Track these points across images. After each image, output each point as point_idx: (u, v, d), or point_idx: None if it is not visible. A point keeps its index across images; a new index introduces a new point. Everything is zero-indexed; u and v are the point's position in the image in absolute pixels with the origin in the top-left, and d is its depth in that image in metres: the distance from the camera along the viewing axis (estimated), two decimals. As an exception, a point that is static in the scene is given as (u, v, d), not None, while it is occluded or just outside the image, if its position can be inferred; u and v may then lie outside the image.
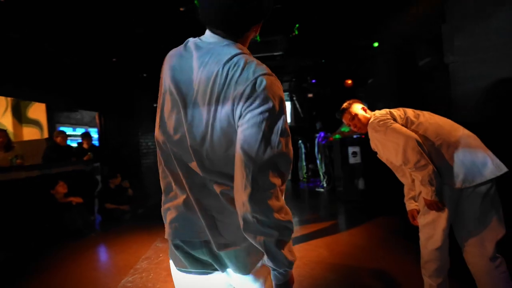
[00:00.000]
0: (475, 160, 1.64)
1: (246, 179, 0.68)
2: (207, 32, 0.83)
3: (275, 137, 0.69)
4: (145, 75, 6.28)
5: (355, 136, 4.61)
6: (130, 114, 6.56)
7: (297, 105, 9.98)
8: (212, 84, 0.74)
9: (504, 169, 1.63)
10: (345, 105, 2.20)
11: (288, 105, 10.55)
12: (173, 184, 0.86)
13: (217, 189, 0.79)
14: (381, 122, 1.83)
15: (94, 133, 6.79)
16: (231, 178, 0.74)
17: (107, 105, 6.27)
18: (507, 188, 1.85)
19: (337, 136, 4.82)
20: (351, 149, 4.64)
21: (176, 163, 0.82)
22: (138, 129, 6.73)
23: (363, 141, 4.66)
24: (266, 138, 0.68)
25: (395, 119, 1.84)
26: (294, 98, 9.89)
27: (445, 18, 4.05)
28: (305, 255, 2.76)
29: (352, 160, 4.61)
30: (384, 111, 1.94)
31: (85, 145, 5.44)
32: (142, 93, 6.87)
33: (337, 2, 4.09)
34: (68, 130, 7.61)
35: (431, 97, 4.51)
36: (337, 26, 4.66)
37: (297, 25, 4.21)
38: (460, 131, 1.75)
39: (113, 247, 3.65)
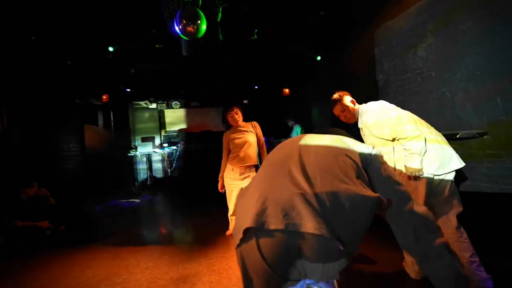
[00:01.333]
0: (446, 153, 2.03)
1: None
2: None
3: None
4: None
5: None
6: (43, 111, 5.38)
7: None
8: None
9: (463, 163, 2.06)
10: (336, 96, 2.43)
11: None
12: None
13: None
14: (382, 105, 2.17)
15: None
16: None
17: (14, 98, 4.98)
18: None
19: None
20: (300, 152, 5.00)
21: None
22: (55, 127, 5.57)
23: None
24: None
25: None
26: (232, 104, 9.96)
27: (375, 43, 4.86)
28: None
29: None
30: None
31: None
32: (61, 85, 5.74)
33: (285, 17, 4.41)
34: None
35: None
36: (285, 36, 4.99)
37: (256, 30, 4.33)
38: (434, 130, 2.14)
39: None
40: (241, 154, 3.19)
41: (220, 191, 3.38)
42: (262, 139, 3.34)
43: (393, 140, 2.10)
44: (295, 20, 4.46)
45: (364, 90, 5.15)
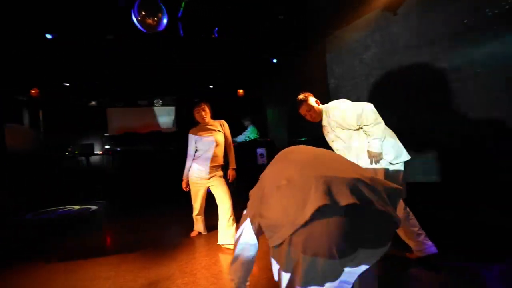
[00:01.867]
0: (399, 146, 2.34)
1: None
2: None
3: None
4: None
5: (262, 140, 5.13)
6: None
7: (183, 111, 9.74)
8: None
9: (409, 157, 2.38)
10: (301, 97, 2.61)
11: (172, 109, 10.12)
12: None
13: None
14: (346, 101, 2.43)
15: None
16: None
17: None
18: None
19: (254, 136, 5.19)
20: (259, 151, 5.10)
21: None
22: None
23: (269, 144, 5.26)
24: None
25: None
26: (181, 103, 9.60)
27: (327, 50, 5.27)
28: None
29: (260, 161, 5.07)
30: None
31: None
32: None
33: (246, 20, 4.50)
34: None
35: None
36: (243, 37, 5.07)
37: (216, 29, 4.29)
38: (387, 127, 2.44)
39: None
40: (208, 154, 3.12)
41: (184, 189, 3.26)
42: (230, 138, 3.28)
43: (358, 129, 2.33)
44: (255, 22, 4.56)
45: (317, 93, 5.53)
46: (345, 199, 0.90)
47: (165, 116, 10.53)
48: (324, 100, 3.33)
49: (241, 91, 7.64)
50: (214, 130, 3.18)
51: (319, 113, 2.56)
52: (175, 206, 5.53)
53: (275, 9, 4.23)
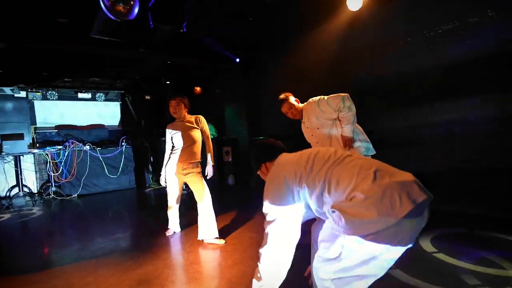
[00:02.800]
0: (368, 141, 2.68)
1: None
2: None
3: None
4: None
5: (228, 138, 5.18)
6: None
7: (130, 107, 9.09)
8: None
9: (374, 151, 2.75)
10: (282, 96, 2.79)
11: (117, 105, 9.35)
12: None
13: None
14: (323, 96, 2.61)
15: None
16: None
17: None
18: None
19: (212, 134, 5.19)
20: (224, 149, 5.14)
21: None
22: None
23: (233, 141, 5.33)
24: None
25: None
26: (128, 99, 8.95)
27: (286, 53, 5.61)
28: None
29: (225, 158, 5.10)
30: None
31: None
32: None
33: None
34: None
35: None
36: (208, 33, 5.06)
37: (185, 23, 4.19)
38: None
39: None
40: (184, 151, 3.06)
41: (162, 184, 3.16)
42: (208, 132, 3.22)
43: (335, 120, 2.59)
44: (222, 20, 4.60)
45: (276, 94, 5.83)
46: (420, 196, 1.08)
47: (108, 112, 9.68)
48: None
49: (198, 88, 7.51)
50: (191, 126, 3.10)
51: (300, 111, 2.76)
52: (130, 207, 5.20)
53: (244, 10, 4.33)
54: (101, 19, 3.82)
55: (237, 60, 5.80)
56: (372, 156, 2.68)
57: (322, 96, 2.65)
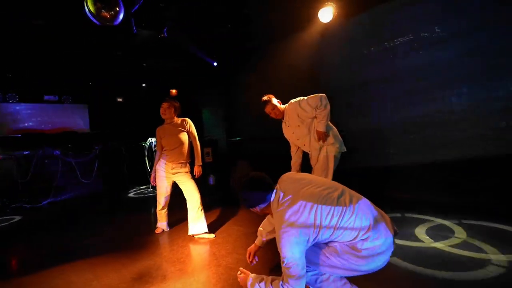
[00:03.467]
0: (340, 140, 3.05)
1: None
2: None
3: None
4: None
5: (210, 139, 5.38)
6: None
7: (101, 109, 8.83)
8: None
9: (345, 149, 3.12)
10: (265, 98, 3.06)
11: (85, 108, 9.01)
12: None
13: None
14: (303, 97, 2.91)
15: None
16: None
17: None
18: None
19: None
20: (205, 150, 5.30)
21: None
22: None
23: (214, 142, 5.53)
24: None
25: None
26: (99, 101, 8.68)
27: (262, 58, 5.92)
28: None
29: (206, 159, 5.27)
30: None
31: None
32: None
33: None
34: None
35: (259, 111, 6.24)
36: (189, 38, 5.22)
37: (165, 28, 4.31)
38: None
39: None
40: (172, 152, 3.22)
41: (152, 184, 3.30)
42: (194, 133, 3.36)
43: (313, 118, 2.92)
44: (201, 26, 4.79)
45: (256, 97, 6.11)
46: (391, 228, 1.46)
47: (77, 115, 9.30)
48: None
49: (174, 90, 7.56)
50: (178, 128, 3.25)
51: (282, 111, 3.03)
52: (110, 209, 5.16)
53: (224, 18, 4.56)
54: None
55: (215, 64, 5.99)
56: (343, 153, 3.05)
57: (302, 97, 2.97)
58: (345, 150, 3.03)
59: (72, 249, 3.11)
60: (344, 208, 1.42)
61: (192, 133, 3.35)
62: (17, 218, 4.88)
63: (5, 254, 3.17)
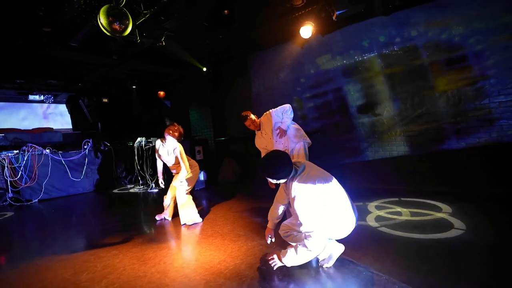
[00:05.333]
0: (305, 135, 3.72)
1: None
2: None
3: None
4: None
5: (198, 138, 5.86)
6: None
7: (85, 110, 8.92)
8: None
9: (310, 142, 3.82)
10: (244, 114, 3.68)
11: (63, 107, 9.06)
12: None
13: None
14: (273, 110, 3.59)
15: None
16: None
17: None
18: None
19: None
20: (197, 148, 5.78)
21: None
22: None
23: (204, 141, 6.03)
24: None
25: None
26: (83, 102, 8.78)
27: (250, 65, 6.53)
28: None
29: (197, 157, 5.74)
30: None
31: None
32: None
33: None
34: None
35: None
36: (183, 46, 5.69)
37: (164, 37, 4.76)
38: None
39: None
40: (173, 166, 3.78)
41: (161, 186, 3.83)
42: (182, 157, 3.60)
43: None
44: (196, 36, 5.29)
45: (242, 100, 6.70)
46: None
47: (59, 115, 9.29)
48: (250, 105, 4.56)
49: (162, 92, 7.92)
50: (169, 151, 3.67)
51: (258, 124, 3.67)
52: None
53: (217, 28, 5.09)
54: (87, 31, 4.21)
55: (204, 69, 6.49)
56: (309, 147, 3.70)
57: (273, 109, 3.64)
58: (310, 143, 3.69)
59: (88, 236, 3.50)
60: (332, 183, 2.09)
61: (179, 157, 3.64)
62: (9, 214, 5.05)
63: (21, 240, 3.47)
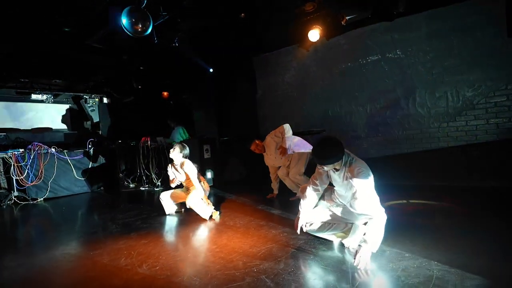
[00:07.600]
0: (307, 143, 3.99)
1: None
2: None
3: None
4: None
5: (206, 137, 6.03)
6: None
7: (87, 110, 8.92)
8: None
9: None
10: (254, 142, 4.18)
11: (62, 107, 9.05)
12: None
13: None
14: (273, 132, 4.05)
15: None
16: None
17: None
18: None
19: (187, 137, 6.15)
20: (205, 147, 5.92)
21: None
22: None
23: (212, 140, 6.19)
24: None
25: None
26: (85, 101, 8.79)
27: (255, 67, 6.74)
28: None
29: (205, 155, 5.88)
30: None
31: None
32: None
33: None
34: None
35: (248, 114, 6.96)
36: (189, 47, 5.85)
37: (176, 38, 4.91)
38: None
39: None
40: (185, 182, 3.92)
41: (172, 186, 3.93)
42: (192, 176, 3.67)
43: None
44: (208, 39, 5.49)
45: (246, 101, 6.88)
46: None
47: (59, 115, 9.25)
48: (254, 107, 4.83)
49: (165, 93, 8.03)
50: (177, 170, 3.84)
51: (262, 146, 4.18)
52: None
53: (229, 31, 5.29)
54: (106, 31, 4.33)
55: (211, 70, 6.66)
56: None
57: (273, 131, 4.12)
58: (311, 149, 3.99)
59: (111, 226, 3.60)
60: None
61: (188, 174, 3.74)
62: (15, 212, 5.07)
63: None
